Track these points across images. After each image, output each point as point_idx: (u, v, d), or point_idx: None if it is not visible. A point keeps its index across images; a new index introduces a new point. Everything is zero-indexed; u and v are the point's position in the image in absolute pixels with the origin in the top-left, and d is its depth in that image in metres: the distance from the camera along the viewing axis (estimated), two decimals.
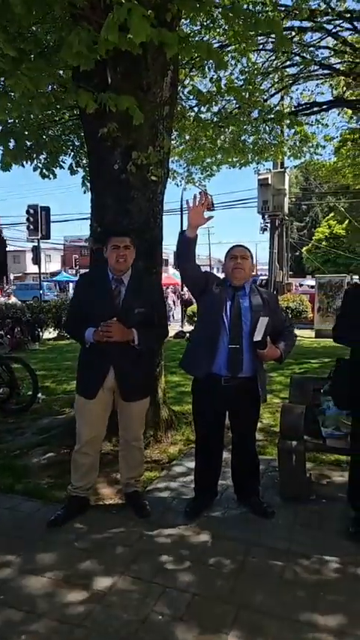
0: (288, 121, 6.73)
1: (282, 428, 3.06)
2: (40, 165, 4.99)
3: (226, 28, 4.84)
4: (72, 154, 5.37)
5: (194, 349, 2.89)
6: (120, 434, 2.96)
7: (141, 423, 2.95)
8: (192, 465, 3.19)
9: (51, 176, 5.03)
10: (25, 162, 4.64)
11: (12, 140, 4.19)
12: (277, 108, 8.89)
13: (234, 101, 7.31)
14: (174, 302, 20.74)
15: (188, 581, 2.28)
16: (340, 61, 8.85)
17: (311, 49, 8.03)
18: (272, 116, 7.33)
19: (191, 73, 6.77)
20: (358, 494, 2.76)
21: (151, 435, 4.03)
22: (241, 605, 2.12)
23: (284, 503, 3.03)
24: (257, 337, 2.60)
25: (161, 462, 3.70)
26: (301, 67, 8.60)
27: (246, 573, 2.35)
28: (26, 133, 4.47)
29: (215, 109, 6.80)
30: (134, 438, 2.91)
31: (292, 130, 9.89)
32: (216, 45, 7.18)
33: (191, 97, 5.13)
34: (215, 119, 6.01)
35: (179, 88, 4.96)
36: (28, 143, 4.64)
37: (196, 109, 6.84)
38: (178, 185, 10.28)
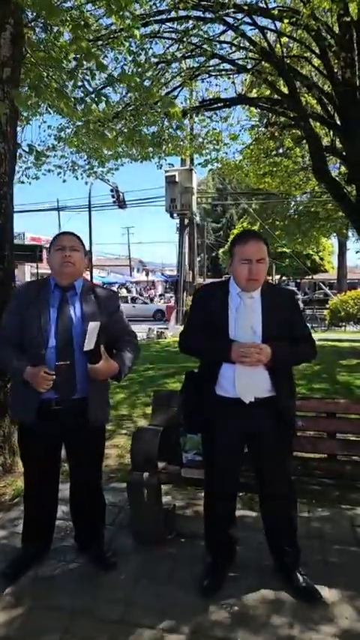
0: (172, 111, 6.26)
1: (132, 457, 2.55)
2: None
3: None
4: None
5: (21, 383, 2.18)
6: None
7: None
8: None
9: None
10: None
11: None
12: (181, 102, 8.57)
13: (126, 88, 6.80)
14: None
15: None
16: (242, 56, 8.69)
17: (215, 43, 7.76)
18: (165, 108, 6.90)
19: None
20: (213, 535, 2.31)
21: None
22: None
23: (135, 547, 2.52)
24: (87, 346, 2.04)
25: (1, 500, 3.03)
26: (203, 60, 8.30)
27: None
28: None
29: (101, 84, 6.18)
30: None
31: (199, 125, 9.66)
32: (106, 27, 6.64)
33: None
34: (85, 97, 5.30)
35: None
36: None
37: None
38: (77, 178, 9.59)
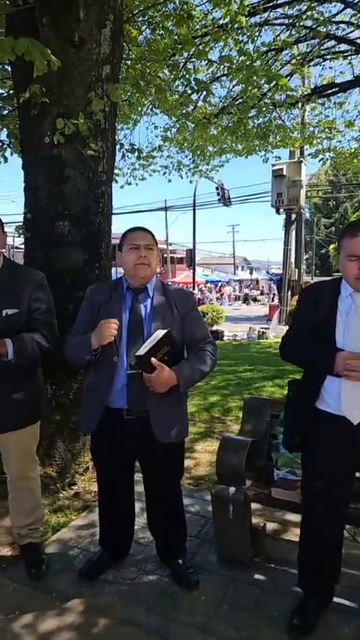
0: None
1: (217, 469, 2.36)
2: None
3: None
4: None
5: (87, 390, 2.16)
6: (6, 472, 2.33)
7: (26, 458, 2.27)
8: None
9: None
10: None
11: None
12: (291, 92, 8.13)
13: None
14: None
15: None
16: None
17: (330, 24, 7.26)
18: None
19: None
20: (308, 568, 2.03)
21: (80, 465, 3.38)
22: None
23: (220, 565, 2.34)
24: (140, 351, 1.85)
25: (87, 500, 3.04)
26: (317, 42, 7.78)
27: None
28: None
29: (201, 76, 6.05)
30: (19, 477, 2.27)
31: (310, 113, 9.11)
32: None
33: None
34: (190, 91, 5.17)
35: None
36: None
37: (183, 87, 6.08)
38: (182, 177, 9.67)
